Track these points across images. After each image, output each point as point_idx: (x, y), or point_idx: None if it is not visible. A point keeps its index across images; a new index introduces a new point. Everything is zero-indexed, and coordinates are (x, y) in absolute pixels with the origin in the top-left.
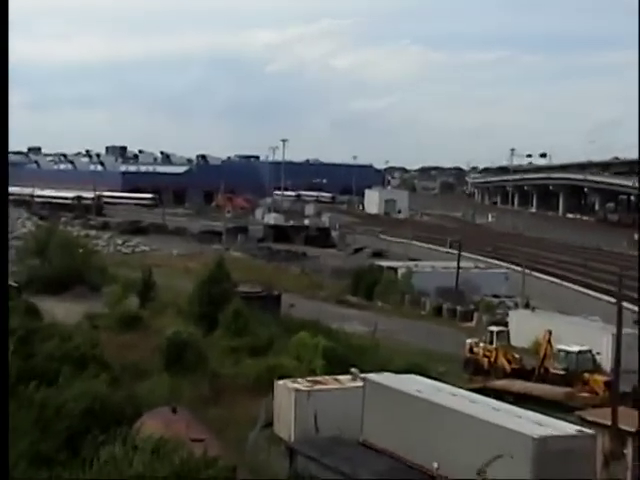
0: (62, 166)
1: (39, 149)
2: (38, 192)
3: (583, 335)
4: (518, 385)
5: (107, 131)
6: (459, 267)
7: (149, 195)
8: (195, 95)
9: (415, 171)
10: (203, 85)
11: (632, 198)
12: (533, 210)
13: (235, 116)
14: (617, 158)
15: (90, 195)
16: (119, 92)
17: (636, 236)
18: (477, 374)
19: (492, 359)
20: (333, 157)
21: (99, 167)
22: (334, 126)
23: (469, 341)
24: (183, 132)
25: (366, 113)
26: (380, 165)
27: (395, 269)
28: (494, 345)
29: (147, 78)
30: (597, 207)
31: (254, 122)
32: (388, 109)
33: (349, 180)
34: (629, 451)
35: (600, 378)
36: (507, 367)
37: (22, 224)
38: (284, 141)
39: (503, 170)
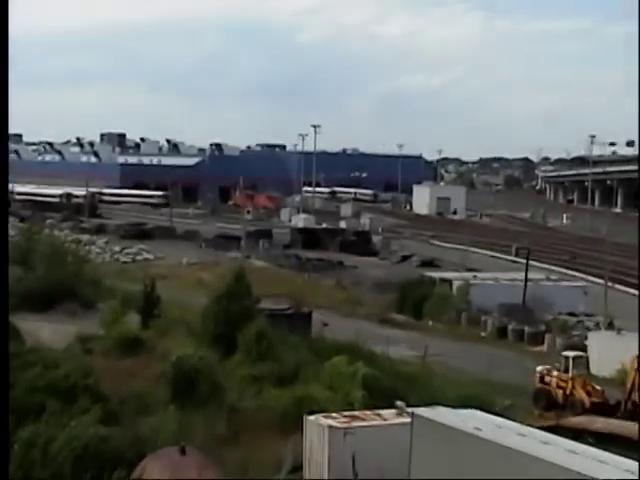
0: (48, 157)
1: (20, 136)
2: (18, 188)
3: None
4: (600, 423)
5: (102, 114)
6: (527, 279)
7: (159, 192)
8: (209, 71)
9: (474, 163)
10: (219, 59)
11: None
12: (618, 210)
13: (257, 97)
14: None
15: (82, 192)
16: (117, 67)
17: None
18: (549, 409)
19: (568, 391)
20: (375, 146)
21: (92, 158)
22: (377, 109)
23: (540, 369)
24: (194, 116)
25: (415, 93)
26: (432, 156)
27: (449, 281)
28: (570, 374)
29: (151, 50)
30: None
31: (280, 104)
32: (442, 89)
33: (394, 174)
34: None
35: None
36: (586, 401)
37: None
38: (316, 127)
39: (581, 161)
